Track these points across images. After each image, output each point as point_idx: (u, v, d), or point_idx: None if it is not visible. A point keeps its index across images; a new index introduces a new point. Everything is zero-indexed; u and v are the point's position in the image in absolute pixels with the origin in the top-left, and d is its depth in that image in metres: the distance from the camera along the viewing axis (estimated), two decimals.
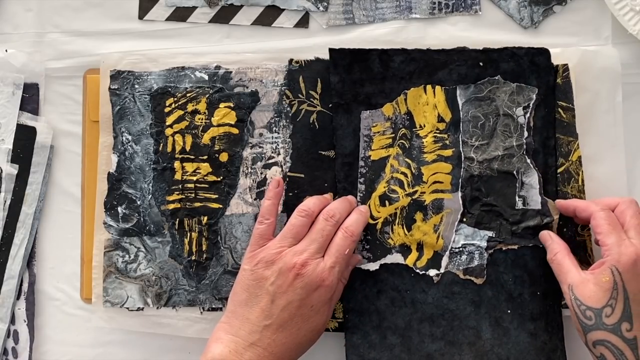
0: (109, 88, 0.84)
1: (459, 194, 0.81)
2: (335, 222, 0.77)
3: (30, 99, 0.86)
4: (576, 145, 0.82)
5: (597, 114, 0.83)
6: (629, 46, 0.84)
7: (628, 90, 0.83)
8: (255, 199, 0.83)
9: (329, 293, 0.76)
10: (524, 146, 0.81)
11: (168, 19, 0.86)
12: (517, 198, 0.81)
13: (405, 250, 0.82)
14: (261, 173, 0.84)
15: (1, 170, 0.85)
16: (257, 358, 0.74)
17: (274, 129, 0.84)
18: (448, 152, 0.82)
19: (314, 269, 0.75)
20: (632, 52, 0.84)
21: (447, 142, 0.82)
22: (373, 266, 0.82)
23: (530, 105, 0.81)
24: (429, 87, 0.82)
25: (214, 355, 0.74)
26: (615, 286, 0.72)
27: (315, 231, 0.77)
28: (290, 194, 0.83)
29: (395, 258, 0.82)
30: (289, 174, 0.83)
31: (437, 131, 0.82)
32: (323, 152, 0.83)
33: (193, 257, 0.83)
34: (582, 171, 0.82)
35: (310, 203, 0.79)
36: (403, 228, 0.82)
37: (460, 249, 0.81)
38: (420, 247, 0.82)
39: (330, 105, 0.82)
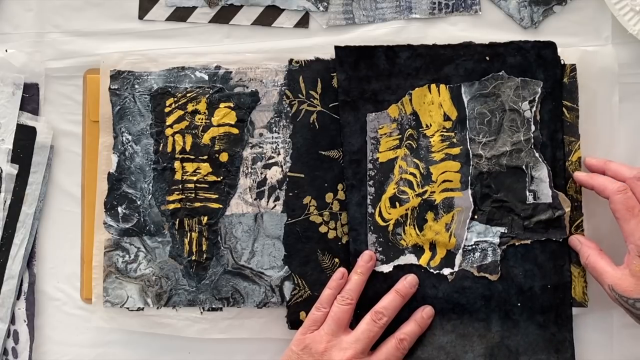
0: (109, 88, 0.84)
1: (469, 191, 0.81)
2: (383, 324, 0.78)
3: (30, 99, 0.86)
4: (577, 146, 0.82)
5: (596, 113, 0.83)
6: (628, 46, 0.84)
7: (628, 90, 0.83)
8: (255, 199, 0.83)
9: None
10: (532, 140, 0.81)
11: (168, 19, 0.86)
12: (527, 192, 0.81)
13: (418, 250, 0.82)
14: (261, 173, 0.84)
15: (1, 170, 0.85)
16: None
17: (274, 129, 0.84)
18: (456, 150, 0.82)
19: None
20: (632, 52, 0.84)
21: (455, 140, 0.82)
22: (387, 268, 0.82)
23: (536, 99, 0.81)
24: (433, 86, 0.82)
25: None
26: None
27: (361, 331, 0.78)
28: (290, 194, 0.83)
29: (408, 259, 0.82)
30: (289, 173, 0.83)
31: (444, 130, 0.82)
32: (323, 152, 0.83)
33: (193, 257, 0.83)
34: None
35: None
36: (415, 228, 0.82)
37: (473, 246, 0.81)
38: (433, 246, 0.82)
39: (337, 102, 0.82)
